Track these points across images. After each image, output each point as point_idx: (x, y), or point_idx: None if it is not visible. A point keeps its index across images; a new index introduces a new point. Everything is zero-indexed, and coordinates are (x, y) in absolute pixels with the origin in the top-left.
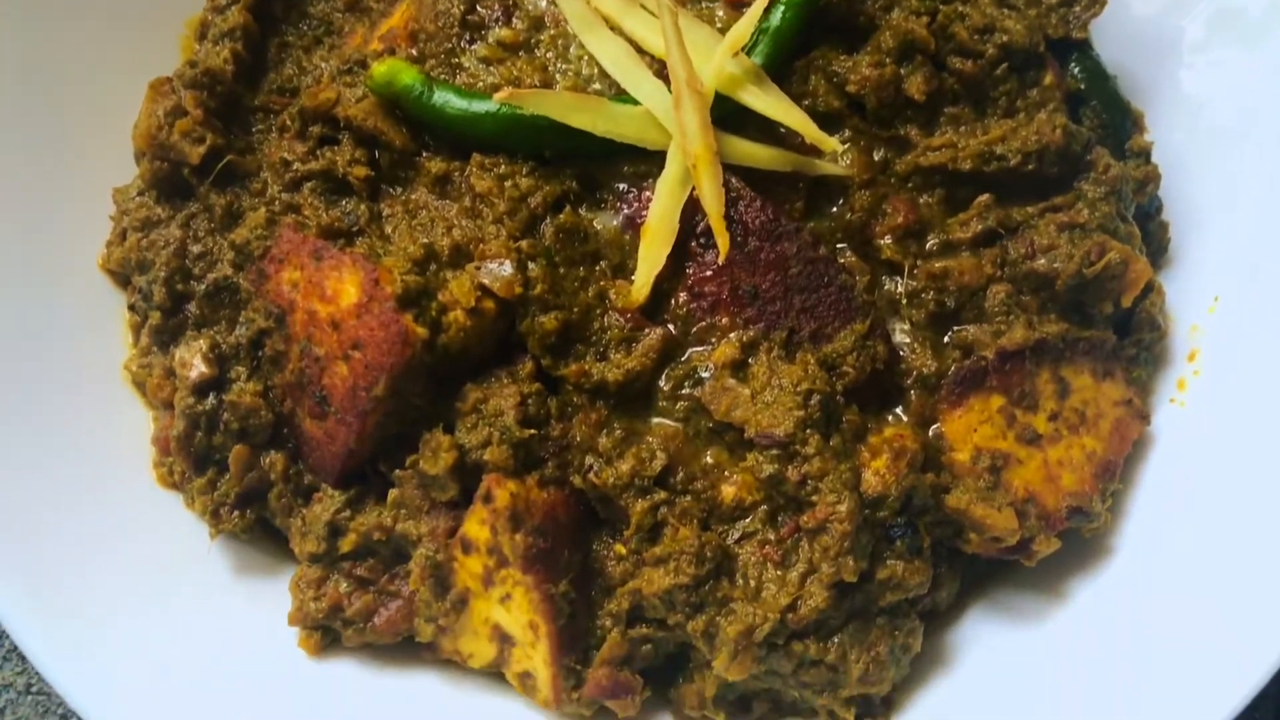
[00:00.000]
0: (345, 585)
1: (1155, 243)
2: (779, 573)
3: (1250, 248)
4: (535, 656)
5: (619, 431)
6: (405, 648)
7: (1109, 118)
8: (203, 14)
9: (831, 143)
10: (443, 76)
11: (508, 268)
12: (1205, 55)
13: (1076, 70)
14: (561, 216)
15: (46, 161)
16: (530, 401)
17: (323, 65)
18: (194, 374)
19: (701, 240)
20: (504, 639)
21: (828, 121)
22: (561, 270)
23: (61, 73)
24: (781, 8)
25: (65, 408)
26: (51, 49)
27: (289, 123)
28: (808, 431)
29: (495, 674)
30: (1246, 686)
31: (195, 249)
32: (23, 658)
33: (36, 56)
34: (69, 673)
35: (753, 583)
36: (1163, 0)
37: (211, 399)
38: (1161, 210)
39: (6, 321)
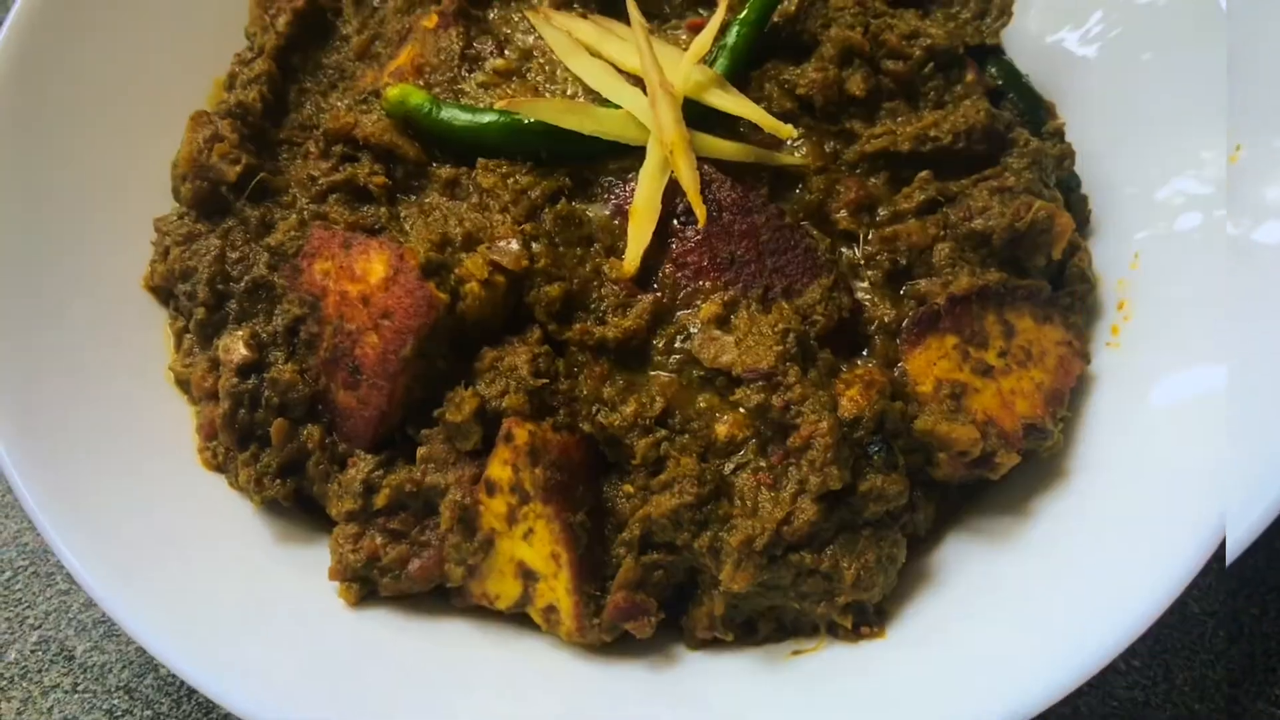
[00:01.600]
0: (380, 538)
1: (1078, 214)
2: (772, 493)
3: (1163, 212)
4: (558, 587)
5: (621, 382)
6: (436, 598)
7: (1025, 106)
8: (230, 68)
9: (787, 129)
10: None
11: (515, 245)
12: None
13: (993, 70)
14: (559, 207)
15: (89, 200)
16: (540, 359)
17: (339, 104)
18: (237, 357)
19: (681, 219)
20: (528, 575)
21: (782, 121)
22: (561, 249)
23: (104, 124)
24: (736, 27)
25: (119, 410)
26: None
27: (313, 148)
28: (788, 364)
29: (521, 616)
30: (1184, 571)
31: (233, 255)
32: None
33: (75, 123)
34: (143, 621)
35: (749, 503)
36: (1055, 18)
37: (253, 379)
38: (1080, 185)
39: (61, 329)
